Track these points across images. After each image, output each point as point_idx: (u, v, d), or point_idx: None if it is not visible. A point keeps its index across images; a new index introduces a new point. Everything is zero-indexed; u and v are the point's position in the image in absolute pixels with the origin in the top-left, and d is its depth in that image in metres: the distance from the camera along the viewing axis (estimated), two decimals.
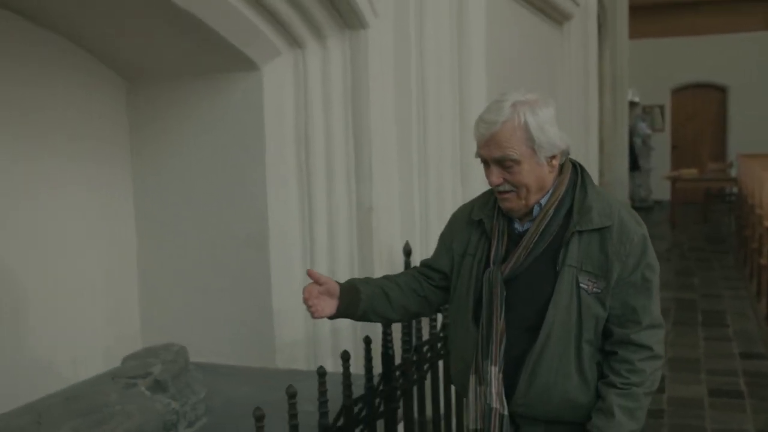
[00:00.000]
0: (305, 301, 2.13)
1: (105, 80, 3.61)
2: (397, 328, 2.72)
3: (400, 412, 2.71)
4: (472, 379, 2.08)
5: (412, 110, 3.71)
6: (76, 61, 3.45)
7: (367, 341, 2.41)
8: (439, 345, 2.97)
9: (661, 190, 15.28)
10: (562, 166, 2.11)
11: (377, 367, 2.59)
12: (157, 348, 3.02)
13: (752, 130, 15.43)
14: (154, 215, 3.75)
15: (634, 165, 14.81)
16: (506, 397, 2.04)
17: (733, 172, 13.35)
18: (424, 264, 2.34)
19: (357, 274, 3.60)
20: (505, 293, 2.04)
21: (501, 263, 2.07)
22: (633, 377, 1.99)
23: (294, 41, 3.41)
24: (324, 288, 2.15)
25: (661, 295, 2.10)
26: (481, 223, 2.18)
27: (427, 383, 3.08)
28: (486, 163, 2.05)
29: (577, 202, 2.06)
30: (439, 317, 3.12)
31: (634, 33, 14.36)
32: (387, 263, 3.57)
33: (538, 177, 2.03)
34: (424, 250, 3.76)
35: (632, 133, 14.78)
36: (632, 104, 15.13)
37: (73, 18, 3.19)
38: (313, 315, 2.14)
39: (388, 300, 2.22)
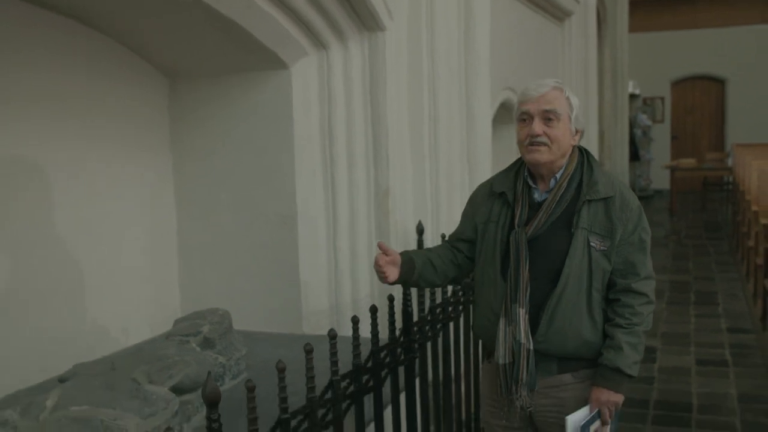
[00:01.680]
0: (377, 267, 2.56)
1: (148, 76, 4.00)
2: (414, 291, 3.12)
3: (418, 367, 3.12)
4: (502, 322, 2.49)
5: (424, 104, 4.08)
6: (121, 59, 3.82)
7: (391, 299, 2.83)
8: (449, 308, 3.38)
9: (660, 179, 15.66)
10: (573, 149, 2.54)
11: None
12: (204, 312, 3.44)
13: (750, 121, 15.78)
14: (192, 198, 4.14)
15: (635, 155, 15.19)
16: None
17: (730, 162, 13.69)
18: (453, 238, 2.77)
19: (374, 251, 3.99)
20: (528, 250, 2.47)
21: (524, 226, 2.50)
22: (635, 318, 2.44)
23: (319, 43, 3.80)
24: (390, 258, 2.57)
25: (657, 278, 2.58)
26: (503, 195, 2.60)
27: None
28: (528, 119, 2.46)
29: (585, 177, 2.51)
30: (449, 288, 3.53)
31: (635, 27, 14.71)
32: (402, 240, 3.96)
33: (566, 141, 2.48)
34: (435, 229, 4.15)
35: (633, 125, 15.13)
36: (633, 96, 15.48)
37: (117, 18, 3.55)
38: (385, 280, 2.57)
39: (434, 269, 2.67)
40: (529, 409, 2.51)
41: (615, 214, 2.44)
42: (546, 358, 2.49)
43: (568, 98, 2.47)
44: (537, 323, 2.46)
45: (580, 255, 2.43)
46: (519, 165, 2.62)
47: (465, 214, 2.76)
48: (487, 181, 2.76)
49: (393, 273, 2.58)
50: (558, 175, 2.51)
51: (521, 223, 2.51)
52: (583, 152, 2.58)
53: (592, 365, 2.50)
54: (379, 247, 2.59)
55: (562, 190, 2.49)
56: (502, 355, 2.49)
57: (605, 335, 2.47)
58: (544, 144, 2.44)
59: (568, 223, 2.47)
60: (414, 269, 2.62)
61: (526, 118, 2.47)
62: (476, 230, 2.65)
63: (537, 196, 2.54)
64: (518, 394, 2.48)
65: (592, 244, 2.43)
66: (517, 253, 2.47)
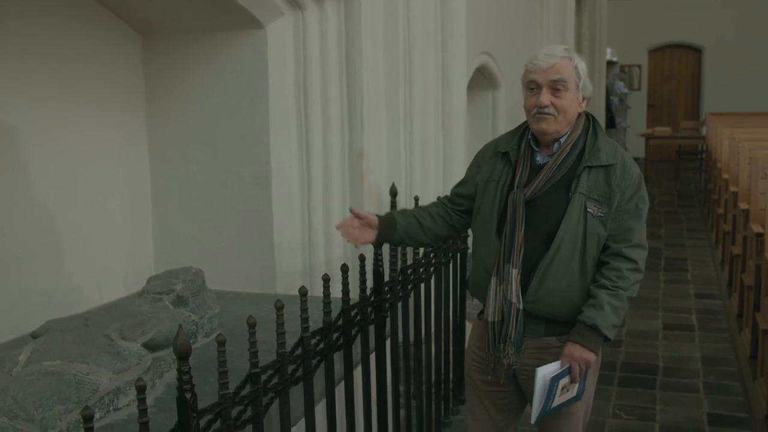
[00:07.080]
0: (345, 233, 2.65)
1: (122, 35, 3.97)
2: (386, 252, 3.15)
3: (388, 329, 3.16)
4: (494, 280, 2.54)
5: (399, 66, 4.09)
6: (96, 18, 3.80)
7: (362, 259, 2.86)
8: (421, 270, 3.42)
9: (636, 147, 15.71)
10: (579, 115, 2.57)
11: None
12: (177, 270, 3.46)
13: (725, 91, 15.87)
14: (167, 158, 4.14)
15: (611, 123, 15.24)
16: None
17: (704, 131, 13.80)
18: (454, 191, 2.81)
19: (348, 213, 4.02)
20: (525, 212, 2.51)
21: (524, 187, 2.53)
22: (620, 282, 2.47)
23: (295, 3, 3.78)
24: (364, 221, 2.64)
25: None
26: (506, 155, 2.62)
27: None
28: (536, 88, 2.49)
29: (589, 144, 2.53)
30: (421, 250, 3.56)
31: None
32: (375, 202, 4.00)
33: (573, 110, 2.50)
34: (408, 191, 4.18)
35: (609, 92, 15.17)
36: (610, 63, 15.50)
37: None
38: (354, 244, 2.65)
39: (421, 228, 2.72)
40: (514, 368, 2.56)
41: (615, 181, 2.46)
42: (534, 319, 2.53)
43: (576, 66, 2.49)
44: (528, 284, 2.50)
45: (576, 220, 2.46)
46: (525, 127, 2.64)
47: (469, 171, 2.79)
48: (493, 141, 2.78)
49: (368, 235, 2.65)
50: (562, 140, 2.53)
51: (520, 184, 2.54)
52: (589, 119, 2.60)
53: None
54: (351, 212, 2.64)
55: (564, 155, 2.51)
56: (491, 312, 2.54)
57: (590, 295, 2.50)
58: (551, 114, 2.47)
59: (566, 188, 2.49)
60: (395, 230, 2.67)
61: (534, 87, 2.49)
62: (477, 188, 2.68)
63: (539, 158, 2.57)
64: (505, 352, 2.53)
65: (589, 210, 2.46)
66: (513, 214, 2.51)
